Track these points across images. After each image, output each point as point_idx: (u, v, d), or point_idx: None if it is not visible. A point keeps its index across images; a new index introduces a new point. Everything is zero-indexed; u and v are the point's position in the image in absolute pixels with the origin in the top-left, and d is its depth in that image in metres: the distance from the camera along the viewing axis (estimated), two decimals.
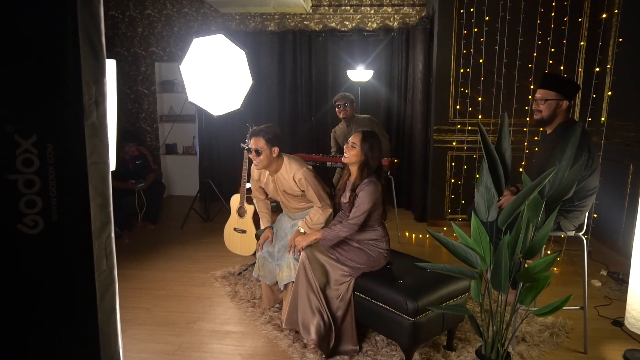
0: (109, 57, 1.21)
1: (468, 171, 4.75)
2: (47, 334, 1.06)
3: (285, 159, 2.81)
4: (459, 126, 4.68)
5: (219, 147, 5.84)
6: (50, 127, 1.01)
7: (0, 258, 1.01)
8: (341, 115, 4.30)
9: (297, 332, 2.66)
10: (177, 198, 6.15)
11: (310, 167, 2.81)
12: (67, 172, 1.03)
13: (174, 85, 6.02)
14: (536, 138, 4.46)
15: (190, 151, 6.22)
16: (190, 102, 4.36)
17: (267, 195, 3.08)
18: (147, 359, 2.50)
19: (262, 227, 3.07)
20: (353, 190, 2.54)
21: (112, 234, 1.14)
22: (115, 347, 1.15)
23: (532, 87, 4.43)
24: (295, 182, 2.75)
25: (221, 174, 5.83)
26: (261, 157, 2.69)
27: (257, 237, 3.22)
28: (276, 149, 2.71)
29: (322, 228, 2.71)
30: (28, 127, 0.99)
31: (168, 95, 6.13)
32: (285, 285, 2.75)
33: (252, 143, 2.69)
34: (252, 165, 2.84)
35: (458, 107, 4.67)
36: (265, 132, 2.70)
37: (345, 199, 2.62)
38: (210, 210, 5.13)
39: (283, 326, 2.73)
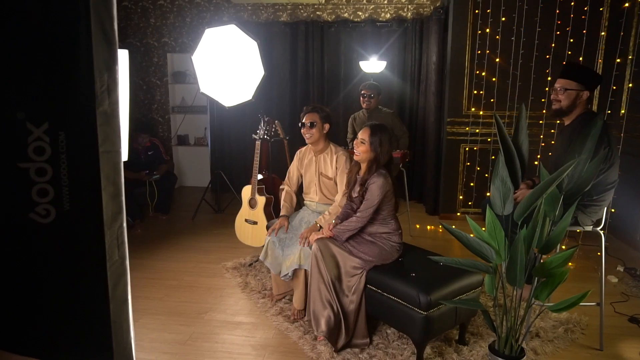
0: (121, 48, 1.19)
1: (481, 164, 4.68)
2: (59, 324, 1.06)
3: (332, 144, 3.00)
4: (472, 118, 4.61)
5: (230, 138, 5.84)
6: (62, 115, 1.00)
7: (12, 247, 1.00)
8: (364, 106, 4.19)
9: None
10: (189, 189, 6.18)
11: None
12: (79, 161, 1.02)
13: (186, 76, 6.02)
14: (552, 131, 4.37)
15: (202, 142, 6.23)
16: (202, 93, 4.34)
17: (296, 187, 3.14)
18: (158, 349, 2.52)
19: (280, 214, 3.08)
20: (362, 185, 2.52)
21: (124, 224, 1.13)
22: (127, 337, 1.15)
23: (549, 78, 4.34)
24: (335, 160, 2.90)
25: (232, 165, 5.83)
26: (314, 129, 2.86)
27: (268, 228, 3.21)
28: (327, 126, 2.91)
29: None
30: (40, 114, 0.98)
31: (180, 86, 6.14)
32: (295, 273, 2.75)
33: (306, 118, 2.89)
34: (300, 149, 3.09)
35: (472, 99, 4.59)
36: (320, 109, 2.92)
37: (355, 193, 2.60)
38: (221, 202, 5.14)
39: (296, 313, 2.78)
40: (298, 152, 3.13)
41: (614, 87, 4.20)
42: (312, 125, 2.86)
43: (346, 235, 2.54)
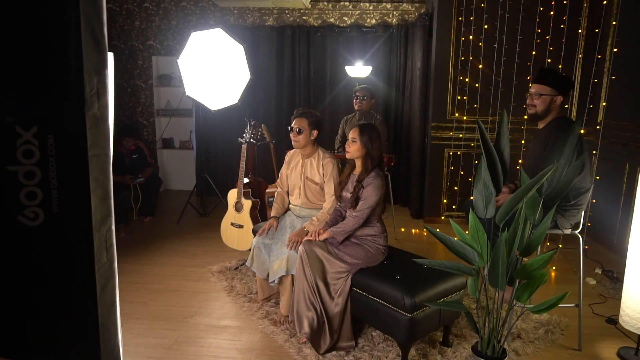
0: None
1: (465, 168, 4.76)
2: (47, 327, 1.06)
3: (320, 149, 3.02)
4: (456, 124, 4.69)
5: (216, 142, 5.82)
6: (51, 118, 1.00)
7: (0, 250, 1.00)
8: (356, 107, 4.32)
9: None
10: (174, 192, 6.14)
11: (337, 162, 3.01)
12: (68, 164, 1.02)
13: (172, 79, 5.99)
14: (533, 136, 4.47)
15: (187, 145, 6.20)
16: (188, 97, 4.34)
17: (287, 188, 3.14)
18: (144, 353, 2.50)
19: (271, 215, 3.09)
20: (359, 182, 2.56)
21: (113, 227, 1.13)
22: (115, 341, 1.15)
23: (530, 85, 4.44)
24: (321, 167, 2.91)
25: (218, 168, 5.81)
26: (301, 136, 2.87)
27: (254, 232, 3.22)
28: (315, 132, 2.92)
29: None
30: (29, 118, 0.98)
31: (165, 89, 6.10)
32: (281, 279, 2.75)
33: (295, 122, 2.89)
34: (288, 151, 3.13)
35: (456, 104, 4.67)
36: (309, 114, 2.93)
37: (347, 192, 2.63)
38: (206, 205, 5.12)
39: (283, 319, 2.77)
40: (287, 153, 3.15)
41: (592, 95, 4.33)
42: (299, 131, 2.87)
43: (342, 237, 2.57)
